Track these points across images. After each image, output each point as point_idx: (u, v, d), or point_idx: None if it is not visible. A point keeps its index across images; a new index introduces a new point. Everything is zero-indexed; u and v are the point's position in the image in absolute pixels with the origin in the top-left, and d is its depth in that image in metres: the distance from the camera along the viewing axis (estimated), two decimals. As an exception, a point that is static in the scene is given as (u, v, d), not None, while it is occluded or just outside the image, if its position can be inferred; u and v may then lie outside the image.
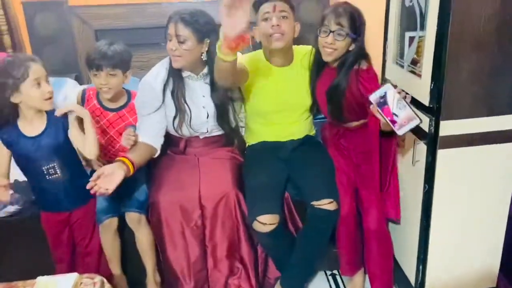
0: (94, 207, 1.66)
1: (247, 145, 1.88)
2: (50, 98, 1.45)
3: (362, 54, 1.60)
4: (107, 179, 1.42)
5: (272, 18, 1.56)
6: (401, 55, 1.64)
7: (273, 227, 1.55)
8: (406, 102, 1.34)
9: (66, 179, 1.55)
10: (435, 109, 1.38)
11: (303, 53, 1.75)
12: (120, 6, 2.56)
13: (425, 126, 1.43)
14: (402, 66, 1.62)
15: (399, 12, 1.61)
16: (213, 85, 1.69)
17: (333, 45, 1.53)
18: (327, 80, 1.63)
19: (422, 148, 1.47)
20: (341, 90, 1.57)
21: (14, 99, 1.43)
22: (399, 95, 1.34)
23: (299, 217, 1.77)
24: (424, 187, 1.49)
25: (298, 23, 1.65)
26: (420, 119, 1.33)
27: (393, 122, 1.35)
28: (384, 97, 1.35)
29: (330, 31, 1.52)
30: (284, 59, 1.69)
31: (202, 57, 1.62)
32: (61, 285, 1.24)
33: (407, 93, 1.39)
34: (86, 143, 1.50)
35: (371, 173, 1.61)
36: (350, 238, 1.69)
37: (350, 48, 1.56)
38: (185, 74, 1.69)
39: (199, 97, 1.72)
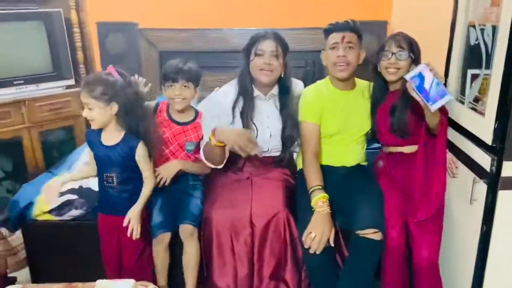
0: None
1: (298, 168, 1.91)
2: (92, 120, 1.60)
3: None
4: None
5: (339, 48, 1.66)
6: (462, 91, 1.63)
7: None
8: (439, 80, 1.45)
9: (120, 191, 1.65)
10: (498, 149, 1.35)
11: (363, 85, 1.83)
12: (185, 31, 2.74)
13: (486, 166, 1.40)
14: (463, 103, 1.60)
15: (462, 50, 1.62)
16: (283, 103, 1.80)
17: (396, 65, 1.66)
18: (390, 103, 1.72)
19: (481, 187, 1.44)
20: (407, 103, 1.63)
21: None
22: (431, 74, 1.45)
23: (346, 247, 1.75)
24: (482, 227, 1.44)
25: (363, 52, 1.74)
26: (451, 96, 1.43)
27: (427, 99, 1.46)
28: (418, 76, 1.47)
29: (392, 54, 1.65)
30: (347, 85, 1.79)
31: (282, 74, 1.77)
32: (118, 289, 1.31)
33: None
34: None
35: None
36: (398, 273, 1.65)
37: (411, 69, 1.61)
38: (255, 93, 1.79)
39: (264, 117, 1.81)
